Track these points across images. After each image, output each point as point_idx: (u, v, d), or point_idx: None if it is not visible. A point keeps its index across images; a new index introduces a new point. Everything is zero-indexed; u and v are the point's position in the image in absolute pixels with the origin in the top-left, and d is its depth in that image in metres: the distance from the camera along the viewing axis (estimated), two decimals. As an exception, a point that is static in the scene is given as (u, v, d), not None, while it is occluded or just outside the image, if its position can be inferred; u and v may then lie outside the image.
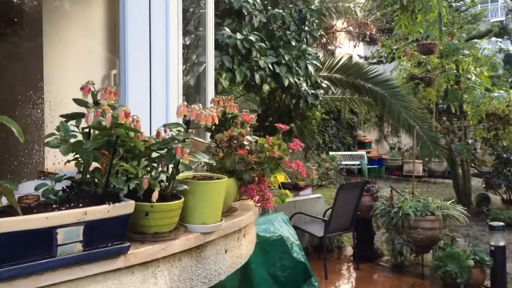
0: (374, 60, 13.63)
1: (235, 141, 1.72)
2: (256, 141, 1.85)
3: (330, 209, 5.67)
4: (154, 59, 1.59)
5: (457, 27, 9.09)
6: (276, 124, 1.85)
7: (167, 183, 1.44)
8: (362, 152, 14.26)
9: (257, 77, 4.52)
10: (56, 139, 1.14)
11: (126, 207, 1.27)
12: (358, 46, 16.60)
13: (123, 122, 1.19)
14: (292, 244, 3.02)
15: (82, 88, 1.28)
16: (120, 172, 1.36)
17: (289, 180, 7.16)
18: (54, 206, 1.21)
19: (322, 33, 5.86)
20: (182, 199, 1.46)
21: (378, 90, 7.51)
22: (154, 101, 1.56)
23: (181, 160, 1.42)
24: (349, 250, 6.53)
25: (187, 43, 2.94)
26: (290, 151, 1.85)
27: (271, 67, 4.68)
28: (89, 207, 1.20)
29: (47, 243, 1.13)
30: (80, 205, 1.23)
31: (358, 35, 15.71)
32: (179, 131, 1.45)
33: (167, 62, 1.60)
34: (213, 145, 1.73)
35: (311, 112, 6.07)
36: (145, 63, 1.57)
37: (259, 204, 1.99)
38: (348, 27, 15.29)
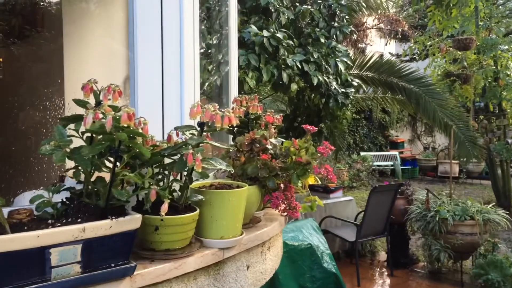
0: (407, 58, 13.23)
1: (257, 145, 1.54)
2: (282, 144, 1.68)
3: (362, 213, 5.43)
4: (166, 55, 1.44)
5: (495, 21, 8.66)
6: (304, 126, 1.67)
7: (180, 193, 1.28)
8: (395, 153, 13.85)
9: (284, 76, 4.33)
10: (49, 145, 1.00)
11: (131, 222, 1.12)
12: (389, 43, 16.17)
13: (125, 125, 1.04)
14: (323, 253, 2.83)
15: (83, 87, 1.14)
16: (128, 182, 1.22)
17: (319, 182, 6.94)
18: (49, 221, 1.07)
19: (353, 29, 5.62)
20: (197, 211, 1.30)
21: (411, 88, 7.19)
22: (167, 101, 1.40)
23: (194, 168, 1.26)
24: (382, 255, 6.27)
25: (213, 42, 2.79)
26: (319, 154, 1.67)
27: (299, 65, 4.49)
28: (87, 223, 1.05)
29: (39, 265, 0.99)
30: (79, 220, 1.08)
31: (389, 32, 15.30)
32: (193, 134, 1.29)
33: (181, 58, 1.45)
34: (233, 149, 1.57)
35: (341, 112, 5.83)
36: (156, 60, 1.42)
37: (285, 213, 1.81)
38: (379, 24, 14.91)
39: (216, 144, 1.28)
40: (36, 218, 1.07)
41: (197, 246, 1.34)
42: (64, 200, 1.15)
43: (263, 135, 1.56)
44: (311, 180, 6.60)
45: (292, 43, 4.58)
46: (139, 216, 1.14)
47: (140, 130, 1.14)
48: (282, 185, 1.74)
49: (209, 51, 2.80)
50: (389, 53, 16.58)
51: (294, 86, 4.49)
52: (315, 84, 4.64)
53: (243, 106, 1.90)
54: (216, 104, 1.25)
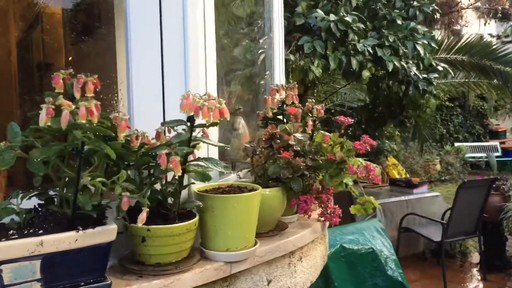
0: (508, 38, 11.98)
1: (278, 140, 1.32)
2: (311, 139, 1.44)
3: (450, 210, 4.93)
4: (166, 38, 1.26)
5: None
6: (337, 117, 1.42)
7: (172, 200, 1.11)
8: (495, 143, 12.62)
9: (354, 62, 3.99)
10: (-2, 146, 0.87)
11: (103, 233, 0.96)
12: (488, 23, 14.78)
13: (83, 121, 0.87)
14: (387, 259, 2.52)
15: (52, 79, 1.00)
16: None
17: (402, 176, 6.46)
18: (10, 232, 0.94)
19: (436, 7, 5.07)
20: (193, 220, 1.11)
21: (509, 71, 6.41)
22: (168, 93, 1.23)
23: (190, 169, 1.07)
24: (475, 257, 5.67)
25: (255, 30, 2.58)
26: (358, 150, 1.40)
27: (371, 51, 4.12)
28: (46, 236, 0.91)
29: (-12, 284, 0.87)
30: (40, 231, 0.94)
31: (488, 11, 13.99)
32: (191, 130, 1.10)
33: (185, 39, 1.27)
34: (251, 145, 1.36)
35: (424, 100, 5.32)
36: (155, 42, 1.25)
37: (322, 219, 1.57)
38: (476, 3, 13.69)
39: (210, 142, 1.08)
40: (-3, 228, 0.96)
41: (196, 259, 1.15)
42: (35, 207, 1.02)
43: (284, 130, 1.34)
44: (391, 174, 6.16)
45: (364, 27, 4.22)
46: (113, 227, 0.98)
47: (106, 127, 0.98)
48: (320, 186, 1.51)
49: (251, 39, 2.60)
50: (489, 34, 15.17)
51: (366, 73, 4.13)
52: (390, 70, 4.24)
53: (279, 97, 1.69)
54: (214, 95, 1.05)
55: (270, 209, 1.36)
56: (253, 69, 2.39)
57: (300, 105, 1.64)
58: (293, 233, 1.44)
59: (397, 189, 5.82)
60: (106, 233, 0.97)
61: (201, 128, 1.10)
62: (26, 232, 0.94)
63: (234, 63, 2.51)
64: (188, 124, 1.04)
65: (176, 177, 1.08)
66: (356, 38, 4.10)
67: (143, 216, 0.98)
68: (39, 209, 1.01)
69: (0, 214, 0.95)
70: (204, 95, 1.05)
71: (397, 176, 6.39)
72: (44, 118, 0.88)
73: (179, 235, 1.08)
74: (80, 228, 0.94)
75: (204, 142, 1.06)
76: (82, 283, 0.96)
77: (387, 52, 4.26)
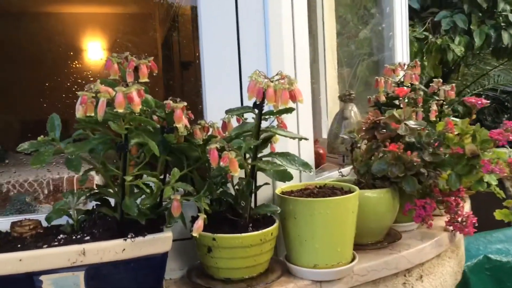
0: None
1: (383, 130, 1.05)
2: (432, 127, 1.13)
3: None
4: (242, 11, 1.07)
5: None
6: (465, 98, 1.09)
7: (243, 203, 0.92)
8: None
9: (505, 37, 3.36)
10: (32, 143, 0.77)
11: (155, 243, 0.81)
12: None
13: (120, 110, 0.73)
14: (548, 275, 2.02)
15: (106, 64, 0.88)
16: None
17: None
18: (60, 237, 0.84)
19: None
20: (269, 229, 0.91)
21: None
22: (246, 77, 1.05)
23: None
24: None
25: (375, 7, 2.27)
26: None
27: (528, 22, 3.44)
28: (89, 244, 0.79)
29: (27, 296, 0.77)
30: (87, 237, 0.83)
31: None
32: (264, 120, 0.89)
33: (265, 10, 1.06)
34: (350, 137, 1.10)
35: None
36: (229, 15, 1.07)
37: (451, 228, 1.25)
38: None
39: (282, 133, 0.86)
40: (43, 232, 0.86)
41: (276, 275, 0.95)
42: (93, 208, 0.91)
43: (392, 116, 1.05)
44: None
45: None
46: (167, 235, 0.82)
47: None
48: (443, 187, 1.20)
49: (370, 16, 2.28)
50: None
51: (521, 49, 3.47)
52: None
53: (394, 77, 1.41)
54: (288, 75, 0.83)
55: (375, 216, 1.09)
56: (375, 51, 2.09)
57: (421, 85, 1.33)
58: (408, 246, 1.15)
59: None
60: (159, 242, 0.82)
61: (275, 116, 0.89)
62: (72, 238, 0.83)
63: (356, 45, 2.24)
64: (256, 111, 0.84)
65: (247, 177, 0.89)
66: (508, 8, 3.46)
67: (198, 224, 0.80)
68: (95, 211, 0.90)
69: (51, 216, 0.86)
70: (277, 74, 0.84)
71: None
72: (80, 109, 0.75)
73: (250, 246, 0.89)
74: (129, 236, 0.81)
75: (275, 133, 0.85)
76: (133, 299, 0.82)
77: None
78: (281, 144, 0.97)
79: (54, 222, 0.89)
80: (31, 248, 0.79)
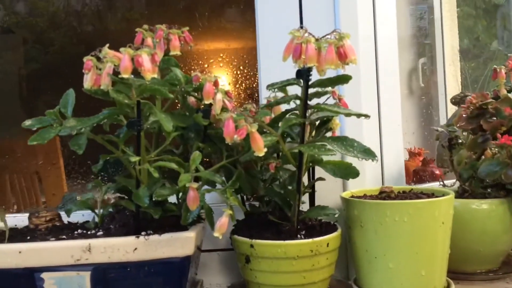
0: None
1: (493, 118, 0.78)
2: None
3: None
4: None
5: None
6: None
7: (291, 202, 0.72)
8: None
9: None
10: (38, 119, 0.67)
11: (173, 243, 0.66)
12: None
13: (125, 76, 0.60)
14: None
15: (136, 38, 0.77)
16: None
17: None
18: (78, 232, 0.74)
19: None
20: (324, 237, 0.70)
21: None
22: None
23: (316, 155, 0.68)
24: None
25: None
26: None
27: None
28: (95, 239, 0.66)
29: (25, 295, 0.67)
30: (100, 233, 0.71)
31: None
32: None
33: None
34: (447, 130, 0.85)
35: None
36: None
37: None
38: None
39: (334, 109, 0.65)
40: (60, 225, 0.76)
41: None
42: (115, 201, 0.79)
43: (507, 99, 0.78)
44: None
45: None
46: (187, 235, 0.66)
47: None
48: None
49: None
50: None
51: None
52: None
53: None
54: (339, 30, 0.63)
55: (485, 235, 0.81)
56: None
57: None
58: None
59: None
60: (178, 243, 0.66)
61: (331, 92, 0.69)
62: (87, 233, 0.72)
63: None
64: (302, 81, 0.65)
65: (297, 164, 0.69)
66: None
67: (221, 222, 0.63)
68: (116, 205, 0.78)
69: (71, 208, 0.75)
70: (333, 32, 0.64)
71: None
72: (87, 79, 0.64)
73: (297, 258, 0.69)
74: (143, 234, 0.67)
75: (326, 109, 0.65)
76: (148, 311, 0.67)
77: None
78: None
79: (87, 218, 0.80)
80: (37, 241, 0.69)
